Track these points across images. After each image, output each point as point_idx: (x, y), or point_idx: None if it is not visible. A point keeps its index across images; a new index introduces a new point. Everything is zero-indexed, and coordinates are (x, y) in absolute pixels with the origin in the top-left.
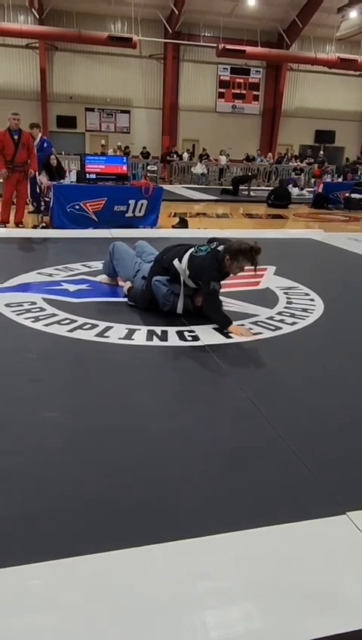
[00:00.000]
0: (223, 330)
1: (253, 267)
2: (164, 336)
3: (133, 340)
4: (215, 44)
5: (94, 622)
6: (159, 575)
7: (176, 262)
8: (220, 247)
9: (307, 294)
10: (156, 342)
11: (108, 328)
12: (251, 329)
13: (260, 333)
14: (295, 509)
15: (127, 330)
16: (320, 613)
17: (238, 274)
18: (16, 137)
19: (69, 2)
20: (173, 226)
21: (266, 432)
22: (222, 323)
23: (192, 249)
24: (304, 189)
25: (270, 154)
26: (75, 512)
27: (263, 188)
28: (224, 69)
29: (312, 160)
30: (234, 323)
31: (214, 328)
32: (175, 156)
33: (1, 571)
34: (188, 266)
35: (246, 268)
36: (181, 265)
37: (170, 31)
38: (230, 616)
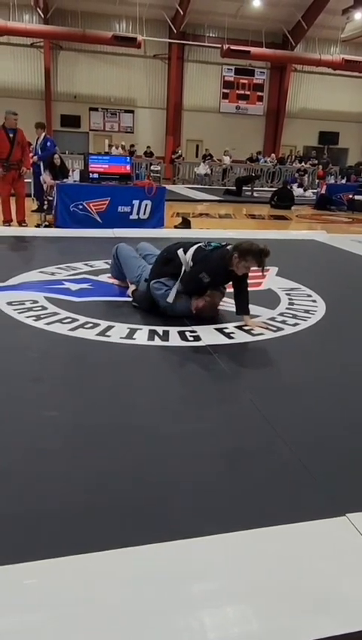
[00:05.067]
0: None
1: (259, 269)
2: (165, 336)
3: (134, 339)
4: (219, 45)
5: (90, 622)
6: (157, 575)
7: (180, 252)
8: (229, 247)
9: (309, 295)
10: (157, 342)
11: (109, 327)
12: (265, 322)
13: (261, 334)
14: (294, 510)
15: (128, 330)
16: (318, 614)
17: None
18: (11, 135)
19: (74, 2)
20: (176, 226)
21: (266, 433)
22: (187, 291)
23: (201, 243)
24: (308, 190)
25: (273, 155)
26: (73, 511)
27: (266, 189)
28: (228, 69)
29: (316, 161)
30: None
31: (216, 328)
32: (179, 151)
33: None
34: (193, 258)
35: (251, 269)
36: (185, 256)
37: (175, 31)
38: (228, 618)
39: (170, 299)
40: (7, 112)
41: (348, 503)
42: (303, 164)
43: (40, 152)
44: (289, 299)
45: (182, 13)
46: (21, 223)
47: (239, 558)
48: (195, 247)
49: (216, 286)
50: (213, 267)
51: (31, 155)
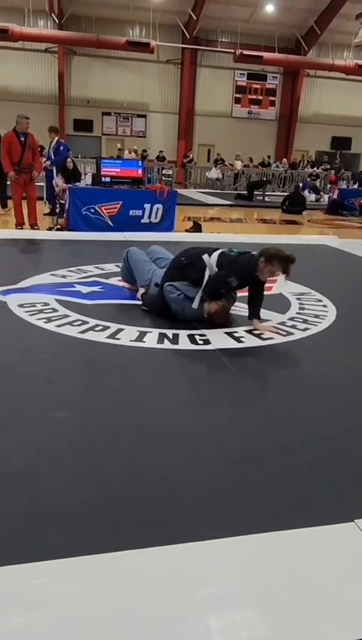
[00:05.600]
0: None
1: (283, 275)
2: (175, 340)
3: (144, 342)
4: (232, 50)
5: (96, 623)
6: (163, 578)
7: (205, 256)
8: (254, 252)
9: (319, 300)
10: (167, 345)
11: (119, 330)
12: (275, 327)
13: (271, 338)
14: (302, 514)
15: (138, 333)
16: (325, 620)
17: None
18: (22, 139)
19: (89, 7)
20: (187, 230)
21: (275, 437)
22: (210, 295)
23: (223, 249)
24: (322, 196)
25: (284, 159)
26: (81, 512)
27: (278, 193)
28: (241, 74)
29: (329, 166)
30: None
31: (226, 332)
32: (190, 155)
33: (6, 569)
34: (218, 263)
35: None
36: (210, 259)
37: (188, 36)
38: (234, 622)
39: (195, 304)
40: (19, 117)
41: (357, 509)
42: (315, 169)
43: (53, 157)
44: (300, 303)
45: (195, 18)
46: (33, 226)
47: (245, 561)
48: (219, 252)
49: (239, 290)
50: (240, 271)
51: (43, 159)
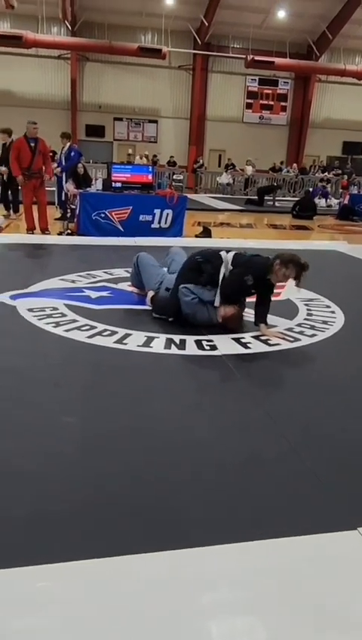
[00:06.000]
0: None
1: (296, 281)
2: (182, 345)
3: (151, 347)
4: (244, 56)
5: (97, 626)
6: (164, 583)
7: (223, 252)
8: (269, 256)
9: (328, 306)
10: (174, 350)
11: (127, 335)
12: (282, 332)
13: (278, 344)
14: (305, 522)
15: (145, 338)
16: (325, 629)
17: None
18: (32, 145)
19: (101, 14)
20: (197, 235)
21: (279, 444)
22: (226, 295)
23: (238, 251)
24: (332, 200)
25: (294, 165)
26: (85, 516)
27: (289, 199)
28: (252, 80)
29: (340, 171)
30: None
31: (233, 338)
32: (200, 160)
33: (11, 571)
34: (233, 262)
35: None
36: (227, 256)
37: (200, 42)
38: (233, 628)
39: (217, 302)
40: (28, 122)
41: (361, 517)
42: (326, 174)
43: (63, 162)
44: (308, 309)
45: (207, 24)
46: (44, 230)
47: (246, 568)
48: (233, 252)
49: (250, 294)
50: (255, 271)
51: (54, 165)
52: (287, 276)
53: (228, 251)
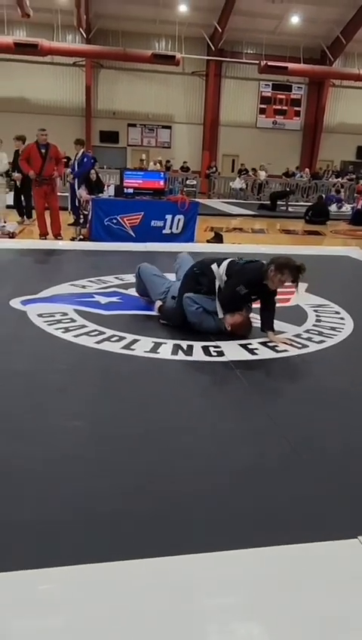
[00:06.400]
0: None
1: (293, 284)
2: (189, 351)
3: (158, 353)
4: (257, 61)
5: (97, 630)
6: (165, 588)
7: (214, 266)
8: (265, 261)
9: (337, 312)
10: (181, 356)
11: (134, 341)
12: (289, 339)
13: (286, 350)
14: (305, 529)
15: (153, 344)
16: (324, 637)
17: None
18: (43, 151)
19: (115, 22)
20: (208, 241)
21: (282, 451)
22: (225, 306)
23: (232, 258)
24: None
25: (307, 169)
26: (88, 520)
27: (302, 204)
28: (266, 85)
29: (354, 176)
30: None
31: (240, 344)
32: (213, 166)
33: (13, 574)
34: (227, 271)
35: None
36: (219, 269)
37: (213, 48)
38: (232, 635)
39: (220, 314)
40: (38, 130)
41: (361, 525)
42: (340, 179)
43: (77, 168)
44: (317, 316)
45: (220, 31)
46: (57, 236)
47: (246, 575)
48: (228, 260)
49: (250, 300)
50: (249, 279)
51: (68, 170)
52: (283, 281)
53: (220, 264)
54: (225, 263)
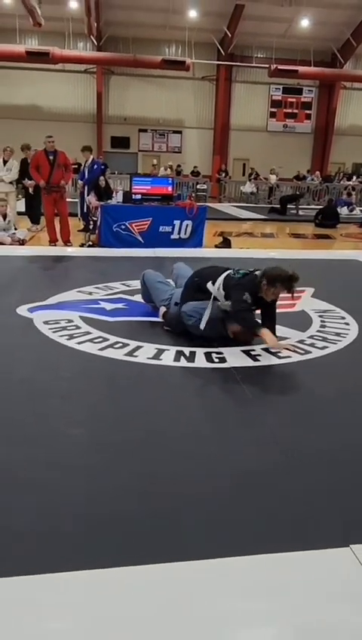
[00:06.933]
0: (255, 331)
1: (289, 295)
2: (191, 358)
3: (160, 360)
4: (267, 65)
5: (98, 636)
6: (158, 595)
7: (209, 285)
8: (257, 272)
9: (343, 318)
10: (183, 363)
11: (138, 348)
12: (292, 345)
13: (288, 356)
14: (298, 538)
15: (156, 351)
16: None
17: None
18: (51, 158)
19: (126, 29)
20: (216, 246)
21: (280, 458)
22: (237, 319)
23: (230, 270)
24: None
25: (317, 172)
26: (89, 527)
27: (312, 207)
28: (276, 88)
29: None
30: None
31: (242, 350)
32: (223, 175)
33: (13, 579)
34: (224, 286)
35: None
36: (215, 287)
37: (223, 53)
38: None
39: (202, 325)
40: (45, 137)
41: (354, 535)
42: (352, 181)
43: (86, 175)
44: (322, 321)
45: (230, 35)
46: (66, 242)
47: (236, 583)
48: (224, 275)
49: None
50: (248, 290)
51: (76, 176)
52: (277, 294)
53: (214, 282)
54: (221, 278)
